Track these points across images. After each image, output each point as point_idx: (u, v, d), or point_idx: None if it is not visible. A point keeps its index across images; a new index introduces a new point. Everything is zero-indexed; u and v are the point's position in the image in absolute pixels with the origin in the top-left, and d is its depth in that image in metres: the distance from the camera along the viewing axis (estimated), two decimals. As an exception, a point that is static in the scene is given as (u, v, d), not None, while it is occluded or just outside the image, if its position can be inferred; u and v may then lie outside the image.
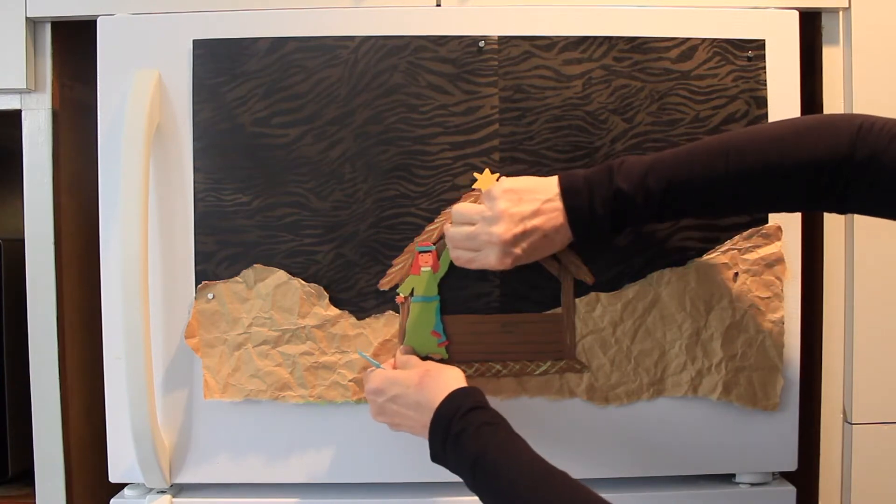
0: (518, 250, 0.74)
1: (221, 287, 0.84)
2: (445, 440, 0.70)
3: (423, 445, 0.74)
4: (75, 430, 0.94)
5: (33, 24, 0.90)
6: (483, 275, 0.85)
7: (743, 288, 0.86)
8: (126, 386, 0.80)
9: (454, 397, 0.73)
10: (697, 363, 0.86)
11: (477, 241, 0.76)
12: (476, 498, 0.69)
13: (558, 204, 0.73)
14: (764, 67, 0.86)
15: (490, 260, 0.75)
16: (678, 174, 0.71)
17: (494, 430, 0.69)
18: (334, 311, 0.84)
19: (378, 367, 0.81)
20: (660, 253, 0.86)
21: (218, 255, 0.85)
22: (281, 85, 0.84)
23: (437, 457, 0.73)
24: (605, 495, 0.62)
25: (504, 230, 0.73)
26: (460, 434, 0.69)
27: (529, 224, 0.73)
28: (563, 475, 0.64)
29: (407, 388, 0.76)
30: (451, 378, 0.76)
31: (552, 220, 0.74)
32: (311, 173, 0.84)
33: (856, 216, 0.90)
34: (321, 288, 0.84)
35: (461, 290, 0.85)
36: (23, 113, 0.91)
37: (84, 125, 0.94)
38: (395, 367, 0.82)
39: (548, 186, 0.75)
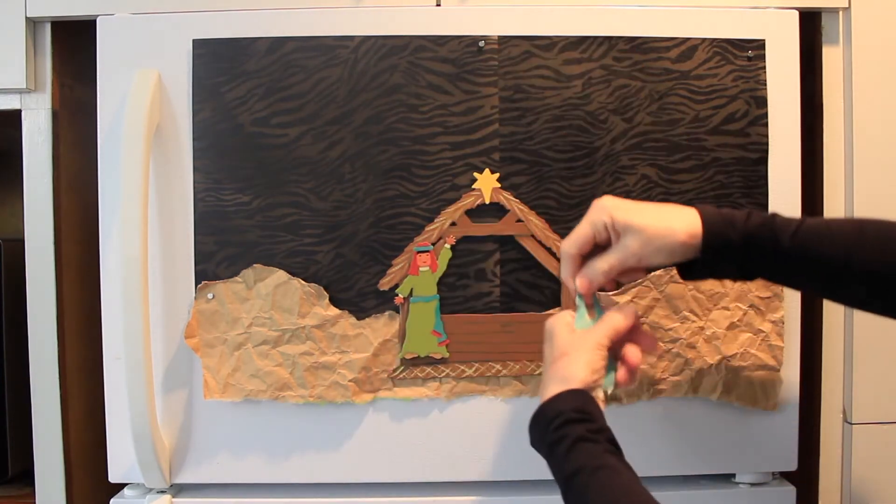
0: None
1: (221, 287, 0.84)
2: (542, 441, 0.66)
3: (422, 445, 0.74)
4: (75, 430, 0.94)
5: (33, 23, 0.90)
6: (483, 275, 0.85)
7: (743, 288, 0.86)
8: (126, 386, 0.80)
9: (559, 399, 0.66)
10: (698, 363, 0.86)
11: None
12: (471, 497, 0.68)
13: None
14: (764, 67, 0.86)
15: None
16: (809, 225, 0.67)
17: (590, 451, 0.62)
18: (334, 311, 0.84)
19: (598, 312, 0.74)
20: (660, 253, 0.85)
21: (218, 255, 0.84)
22: (281, 85, 0.84)
23: (535, 446, 0.68)
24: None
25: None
26: (555, 444, 0.64)
27: None
28: None
29: (549, 354, 0.70)
30: (571, 375, 0.67)
31: None
32: (311, 173, 0.84)
33: (855, 217, 0.90)
34: (321, 288, 0.84)
35: (461, 289, 0.85)
36: (22, 113, 0.91)
37: (84, 125, 0.94)
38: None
39: None
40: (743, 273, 0.69)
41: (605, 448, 0.63)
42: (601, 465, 0.61)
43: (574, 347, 0.69)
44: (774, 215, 0.68)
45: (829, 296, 0.73)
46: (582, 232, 0.70)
